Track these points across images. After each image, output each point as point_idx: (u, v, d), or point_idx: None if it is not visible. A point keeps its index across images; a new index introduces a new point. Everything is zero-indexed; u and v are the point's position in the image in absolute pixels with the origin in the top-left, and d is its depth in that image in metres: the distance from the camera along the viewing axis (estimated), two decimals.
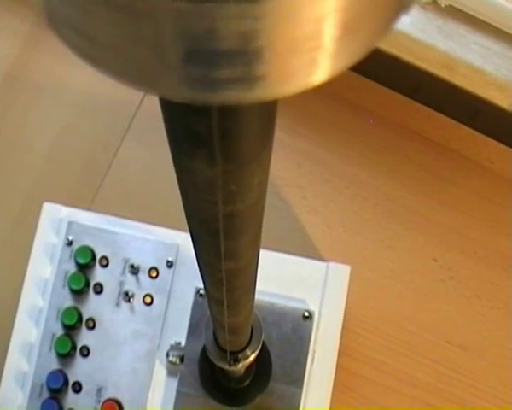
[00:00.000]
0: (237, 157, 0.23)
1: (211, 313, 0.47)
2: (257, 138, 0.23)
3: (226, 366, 0.55)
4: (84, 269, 0.74)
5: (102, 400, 0.72)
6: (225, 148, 0.22)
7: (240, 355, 0.54)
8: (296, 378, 0.73)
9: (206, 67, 0.15)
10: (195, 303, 0.74)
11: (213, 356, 0.56)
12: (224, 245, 0.29)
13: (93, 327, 0.74)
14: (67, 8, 0.15)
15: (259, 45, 0.14)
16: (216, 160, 0.22)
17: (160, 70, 0.15)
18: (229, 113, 0.20)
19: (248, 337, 0.55)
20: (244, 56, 0.14)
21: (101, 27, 0.14)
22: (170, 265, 0.75)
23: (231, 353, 0.54)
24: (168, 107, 0.22)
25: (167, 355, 0.72)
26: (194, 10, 0.13)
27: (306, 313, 0.74)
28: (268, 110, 0.22)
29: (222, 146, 0.21)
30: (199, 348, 0.72)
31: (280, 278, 0.74)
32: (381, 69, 0.90)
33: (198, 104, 0.19)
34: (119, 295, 0.74)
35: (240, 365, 0.55)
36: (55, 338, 0.73)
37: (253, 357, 0.56)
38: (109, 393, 0.72)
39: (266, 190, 0.28)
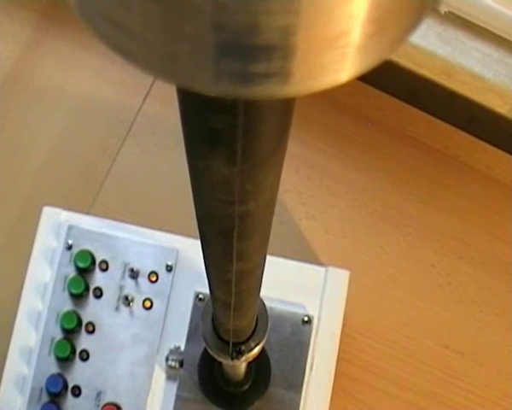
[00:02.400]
0: (255, 156, 0.23)
1: (215, 314, 0.46)
2: (275, 137, 0.23)
3: (227, 360, 0.51)
4: (83, 273, 0.74)
5: (102, 404, 0.72)
6: (245, 146, 0.22)
7: (243, 347, 0.50)
8: (295, 383, 0.73)
9: (242, 61, 0.15)
10: (195, 308, 0.74)
11: (213, 349, 0.51)
12: (235, 246, 0.29)
13: (92, 331, 0.74)
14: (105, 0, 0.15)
15: (296, 41, 0.14)
16: (236, 159, 0.22)
17: (197, 64, 0.15)
18: (253, 110, 0.20)
19: (253, 327, 0.50)
20: (280, 51, 0.15)
21: (141, 20, 0.15)
22: (169, 269, 0.75)
23: (233, 344, 0.49)
24: (188, 105, 0.22)
25: (167, 360, 0.72)
26: (238, 5, 0.13)
27: (305, 318, 0.74)
28: (287, 108, 0.23)
29: (243, 144, 0.22)
30: (198, 353, 0.72)
31: (279, 283, 0.75)
32: (380, 75, 0.90)
33: (225, 101, 0.19)
34: (119, 299, 0.74)
35: (243, 358, 0.50)
36: (54, 342, 0.73)
37: (257, 350, 0.51)
38: (108, 397, 0.72)
39: (277, 192, 0.29)
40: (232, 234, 0.28)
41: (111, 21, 0.15)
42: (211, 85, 0.16)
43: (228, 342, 0.49)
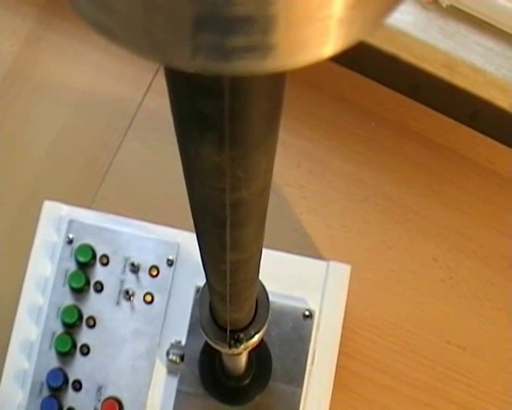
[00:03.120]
0: (245, 141, 0.23)
1: (212, 302, 0.46)
2: (265, 122, 0.23)
3: (225, 348, 0.48)
4: (84, 267, 0.74)
5: (102, 398, 0.72)
6: (234, 131, 0.22)
7: (241, 335, 0.47)
8: (296, 377, 0.73)
9: (220, 34, 0.15)
10: (196, 302, 0.74)
11: (210, 336, 0.49)
12: (229, 235, 0.29)
13: (93, 326, 0.74)
14: None
15: (275, 12, 0.14)
16: (224, 144, 0.22)
17: (174, 39, 0.15)
18: (240, 93, 0.20)
19: (252, 313, 0.48)
20: (259, 23, 0.14)
21: None
22: (170, 263, 0.75)
23: (231, 331, 0.47)
24: (176, 89, 0.22)
25: (167, 354, 0.72)
26: None
27: (307, 312, 0.74)
28: (276, 92, 0.22)
29: (231, 129, 0.21)
30: (199, 347, 0.72)
31: (280, 277, 0.75)
32: (381, 69, 0.90)
33: (211, 82, 0.18)
34: (120, 293, 0.74)
35: (242, 346, 0.48)
36: (55, 336, 0.73)
37: (257, 338, 0.49)
38: (109, 391, 0.72)
39: (271, 180, 0.28)
40: (225, 223, 0.28)
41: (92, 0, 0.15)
42: (189, 61, 0.16)
43: (225, 329, 0.47)
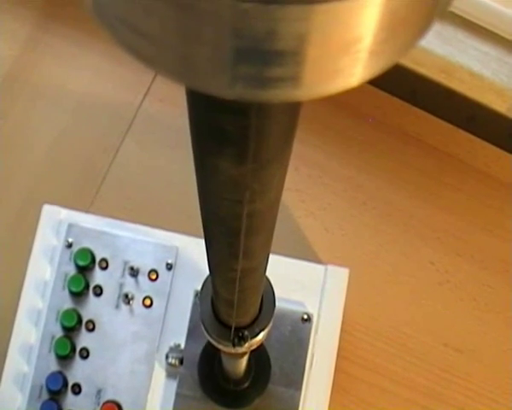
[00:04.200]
0: (264, 156, 0.24)
1: (217, 307, 0.44)
2: (283, 137, 0.24)
3: (229, 347, 0.46)
4: (83, 271, 0.75)
5: (102, 402, 0.72)
6: (256, 147, 0.22)
7: (246, 332, 0.45)
8: (295, 381, 0.74)
9: (259, 65, 0.15)
10: (195, 305, 0.74)
11: (212, 335, 0.47)
12: (242, 244, 0.30)
13: (92, 329, 0.74)
14: (124, 4, 0.15)
15: (310, 47, 0.15)
16: (245, 159, 0.23)
17: (214, 69, 0.16)
18: (265, 112, 0.21)
19: (257, 309, 0.46)
20: (296, 56, 0.15)
21: (160, 25, 0.15)
22: (169, 267, 0.75)
23: (236, 329, 0.45)
24: (198, 107, 0.22)
25: (167, 357, 0.72)
26: (258, 11, 0.14)
27: (305, 316, 0.75)
28: (296, 109, 0.23)
29: (254, 145, 0.22)
30: (198, 351, 0.73)
31: (278, 281, 0.74)
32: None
33: (238, 103, 0.19)
34: (119, 297, 0.74)
35: (246, 345, 0.45)
36: (54, 340, 0.73)
37: (262, 336, 0.47)
38: (109, 395, 0.72)
39: (282, 191, 0.29)
40: (238, 233, 0.28)
41: (128, 25, 0.15)
42: (227, 89, 0.16)
43: (229, 327, 0.45)
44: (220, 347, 0.47)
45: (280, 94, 0.16)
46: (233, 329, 0.44)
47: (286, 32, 0.14)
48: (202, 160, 0.25)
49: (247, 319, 0.44)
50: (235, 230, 0.28)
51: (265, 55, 0.15)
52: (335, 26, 0.14)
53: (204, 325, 0.47)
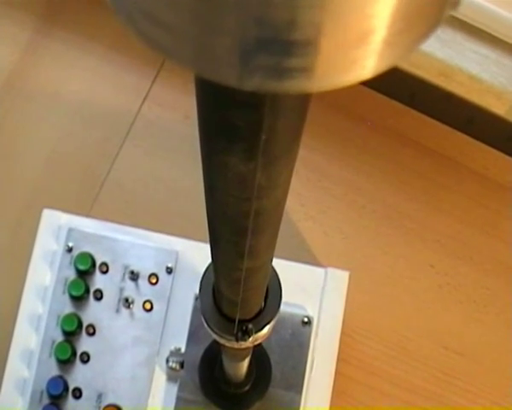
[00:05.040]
0: (273, 152, 0.24)
1: (218, 290, 0.42)
2: (292, 133, 0.24)
3: (232, 342, 0.44)
4: (83, 275, 0.75)
5: (102, 406, 0.72)
6: (266, 143, 0.22)
7: (250, 326, 0.42)
8: (295, 384, 0.74)
9: (278, 56, 0.15)
10: (195, 309, 0.74)
11: (214, 328, 0.44)
12: (248, 243, 0.30)
13: (93, 333, 0.74)
14: None
15: (327, 36, 0.15)
16: (254, 155, 0.23)
17: (234, 59, 0.16)
18: (278, 108, 0.21)
19: (262, 301, 0.43)
20: (313, 46, 0.15)
21: (181, 16, 0.15)
22: (169, 271, 0.75)
23: (239, 322, 0.42)
24: (208, 101, 0.22)
25: (167, 361, 0.72)
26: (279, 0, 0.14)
27: (305, 319, 0.75)
28: (306, 104, 0.23)
29: (265, 141, 0.22)
30: (199, 354, 0.73)
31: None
32: (377, 77, 0.91)
33: (252, 97, 0.19)
34: (119, 301, 0.74)
35: (251, 339, 0.42)
36: (55, 344, 0.73)
37: (267, 329, 0.44)
38: (109, 399, 0.72)
39: (289, 188, 0.29)
40: (245, 231, 0.28)
41: (147, 15, 0.15)
42: (245, 80, 0.16)
43: (232, 320, 0.42)
44: (223, 341, 0.45)
45: (295, 85, 0.16)
46: (236, 322, 0.42)
47: (304, 20, 0.14)
48: (211, 157, 0.25)
49: (251, 313, 0.42)
50: (241, 228, 0.28)
51: (285, 44, 0.15)
52: (351, 15, 0.14)
53: (205, 319, 0.44)
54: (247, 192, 0.25)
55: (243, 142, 0.22)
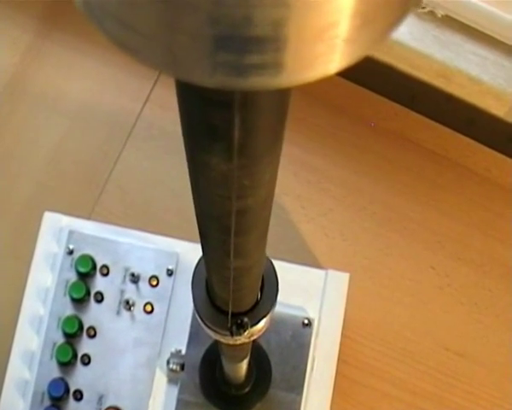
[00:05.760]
0: (252, 151, 0.24)
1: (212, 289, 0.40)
2: (271, 133, 0.24)
3: (227, 337, 0.41)
4: (84, 278, 0.75)
5: (103, 408, 0.72)
6: (243, 141, 0.22)
7: (246, 319, 0.40)
8: (296, 385, 0.74)
9: (238, 53, 0.16)
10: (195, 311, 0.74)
11: (207, 322, 0.41)
12: (233, 242, 0.30)
13: (94, 335, 0.74)
14: None
15: (287, 32, 0.15)
16: (233, 154, 0.23)
17: (195, 57, 0.16)
18: (249, 106, 0.21)
19: (258, 293, 0.41)
20: (273, 43, 0.15)
21: (143, 17, 0.15)
22: (170, 273, 0.75)
23: (234, 315, 0.40)
24: (187, 101, 0.22)
25: (168, 363, 0.72)
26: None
27: (306, 321, 0.75)
28: (283, 103, 0.23)
29: (240, 140, 0.22)
30: (199, 356, 0.73)
31: (279, 286, 0.75)
32: (377, 78, 0.91)
33: (222, 95, 0.20)
34: (120, 303, 0.74)
35: (246, 333, 0.40)
36: (56, 346, 0.73)
37: (263, 323, 0.41)
38: (110, 401, 0.72)
39: (275, 187, 0.29)
40: (230, 230, 0.28)
41: (113, 18, 0.16)
42: (207, 77, 0.16)
43: (226, 314, 0.39)
44: (217, 337, 0.43)
45: (260, 81, 0.16)
46: (230, 315, 0.39)
47: (261, 18, 0.15)
48: (193, 156, 0.26)
49: (246, 306, 0.40)
50: (226, 227, 0.28)
51: (243, 41, 0.15)
52: (311, 12, 0.15)
53: (198, 312, 0.42)
54: (230, 191, 0.26)
55: (222, 141, 0.23)
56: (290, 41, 0.15)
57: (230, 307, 0.38)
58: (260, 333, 0.42)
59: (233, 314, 0.39)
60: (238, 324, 0.39)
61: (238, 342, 0.42)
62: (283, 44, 0.15)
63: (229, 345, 0.45)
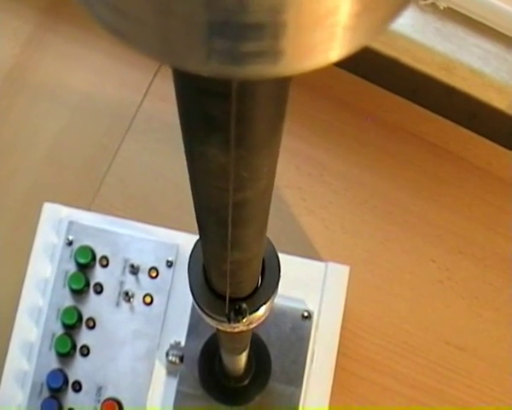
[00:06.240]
0: (250, 143, 0.24)
1: (207, 263, 0.38)
2: (270, 124, 0.24)
3: (224, 324, 0.39)
4: (84, 269, 0.75)
5: (102, 399, 0.72)
6: (240, 132, 0.22)
7: (244, 305, 0.38)
8: (295, 378, 0.74)
9: (234, 39, 0.15)
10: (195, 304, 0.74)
11: (204, 308, 0.39)
12: (231, 234, 0.29)
13: (93, 327, 0.74)
14: None
15: (285, 19, 0.15)
16: (230, 145, 0.23)
17: (189, 43, 0.16)
18: (247, 96, 0.21)
19: (258, 278, 0.39)
20: (270, 30, 0.15)
21: (135, 1, 0.15)
22: (170, 265, 0.75)
23: (232, 301, 0.37)
24: (184, 92, 0.22)
25: (167, 355, 0.72)
26: None
27: (305, 313, 0.75)
28: (281, 94, 0.23)
29: (237, 131, 0.22)
30: (198, 348, 0.73)
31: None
32: (379, 71, 0.91)
33: (219, 85, 0.19)
34: (119, 294, 0.74)
35: (244, 320, 0.38)
36: (55, 338, 0.73)
37: (263, 310, 0.39)
38: (109, 392, 0.72)
39: (274, 180, 0.29)
40: (228, 222, 0.28)
41: (105, 3, 0.16)
42: (202, 65, 0.16)
43: (224, 298, 0.37)
44: (213, 323, 0.40)
45: (256, 69, 0.16)
46: (228, 300, 0.37)
47: (258, 3, 0.14)
48: (191, 148, 0.25)
49: (245, 291, 0.38)
50: (224, 219, 0.28)
51: (239, 28, 0.15)
52: None
53: (194, 297, 0.40)
54: (228, 183, 0.25)
55: (220, 132, 0.22)
56: (288, 27, 0.15)
57: (228, 292, 0.36)
58: (260, 321, 0.40)
59: (231, 300, 0.37)
60: (236, 310, 0.37)
61: (236, 329, 0.40)
62: (280, 32, 0.15)
63: (227, 333, 0.43)
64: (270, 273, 0.39)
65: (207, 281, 0.38)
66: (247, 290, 0.38)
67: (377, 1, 0.16)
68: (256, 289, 0.39)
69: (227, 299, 0.37)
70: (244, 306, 0.37)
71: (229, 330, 0.40)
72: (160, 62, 0.17)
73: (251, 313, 0.38)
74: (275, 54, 0.16)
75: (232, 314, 0.37)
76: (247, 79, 0.17)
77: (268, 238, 0.37)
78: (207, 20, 0.15)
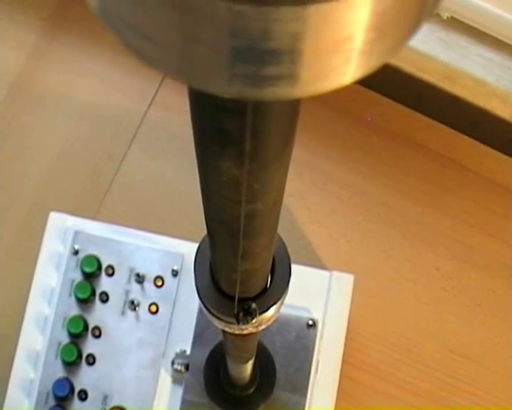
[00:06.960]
0: (263, 156, 0.24)
1: (214, 261, 0.37)
2: (282, 138, 0.24)
3: (233, 326, 0.38)
4: (90, 278, 0.75)
5: (108, 408, 0.72)
6: (254, 147, 0.23)
7: (254, 305, 0.36)
8: (300, 386, 0.74)
9: (255, 64, 0.16)
10: (200, 312, 0.75)
11: (211, 308, 0.38)
12: (242, 245, 0.30)
13: (99, 335, 0.74)
14: (127, 8, 0.16)
15: (303, 46, 0.15)
16: (244, 159, 0.23)
17: (213, 68, 0.16)
18: (261, 112, 0.21)
19: (267, 276, 0.38)
20: (290, 55, 0.16)
21: (162, 28, 0.16)
22: (175, 274, 0.75)
23: (241, 301, 0.36)
24: (200, 108, 0.23)
25: (172, 363, 0.72)
26: (253, 13, 0.14)
27: (310, 322, 0.75)
28: (294, 110, 0.24)
29: (251, 145, 0.22)
30: (204, 356, 0.73)
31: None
32: (382, 80, 0.91)
33: (235, 102, 0.20)
34: (125, 303, 0.75)
35: (253, 321, 0.36)
36: (61, 346, 0.73)
37: (273, 311, 0.38)
38: (115, 401, 0.73)
39: (284, 191, 0.29)
40: (240, 233, 0.29)
41: (132, 27, 0.16)
42: (225, 88, 0.17)
43: (232, 298, 0.36)
44: (221, 325, 0.39)
45: (276, 92, 0.17)
46: (237, 300, 0.36)
47: (280, 31, 0.15)
48: (204, 161, 0.26)
49: (254, 290, 0.37)
50: (235, 230, 0.29)
51: (261, 54, 0.16)
52: (327, 26, 0.15)
53: (201, 298, 0.38)
54: (240, 195, 0.26)
55: (234, 146, 0.23)
56: (306, 54, 0.16)
57: (237, 291, 0.35)
58: (269, 323, 0.39)
59: (240, 300, 0.36)
60: (245, 310, 0.36)
61: (245, 331, 0.38)
62: (299, 57, 0.16)
63: (235, 337, 0.42)
64: (280, 272, 0.38)
65: (214, 281, 0.38)
66: (257, 290, 0.37)
67: (391, 26, 0.16)
68: (266, 288, 0.37)
69: (236, 299, 0.36)
70: (254, 305, 0.36)
71: (237, 332, 0.39)
72: (183, 83, 0.18)
73: (260, 313, 0.37)
74: (293, 77, 0.16)
75: (241, 315, 0.36)
76: (267, 100, 0.17)
77: (279, 235, 0.36)
78: (232, 47, 0.15)
